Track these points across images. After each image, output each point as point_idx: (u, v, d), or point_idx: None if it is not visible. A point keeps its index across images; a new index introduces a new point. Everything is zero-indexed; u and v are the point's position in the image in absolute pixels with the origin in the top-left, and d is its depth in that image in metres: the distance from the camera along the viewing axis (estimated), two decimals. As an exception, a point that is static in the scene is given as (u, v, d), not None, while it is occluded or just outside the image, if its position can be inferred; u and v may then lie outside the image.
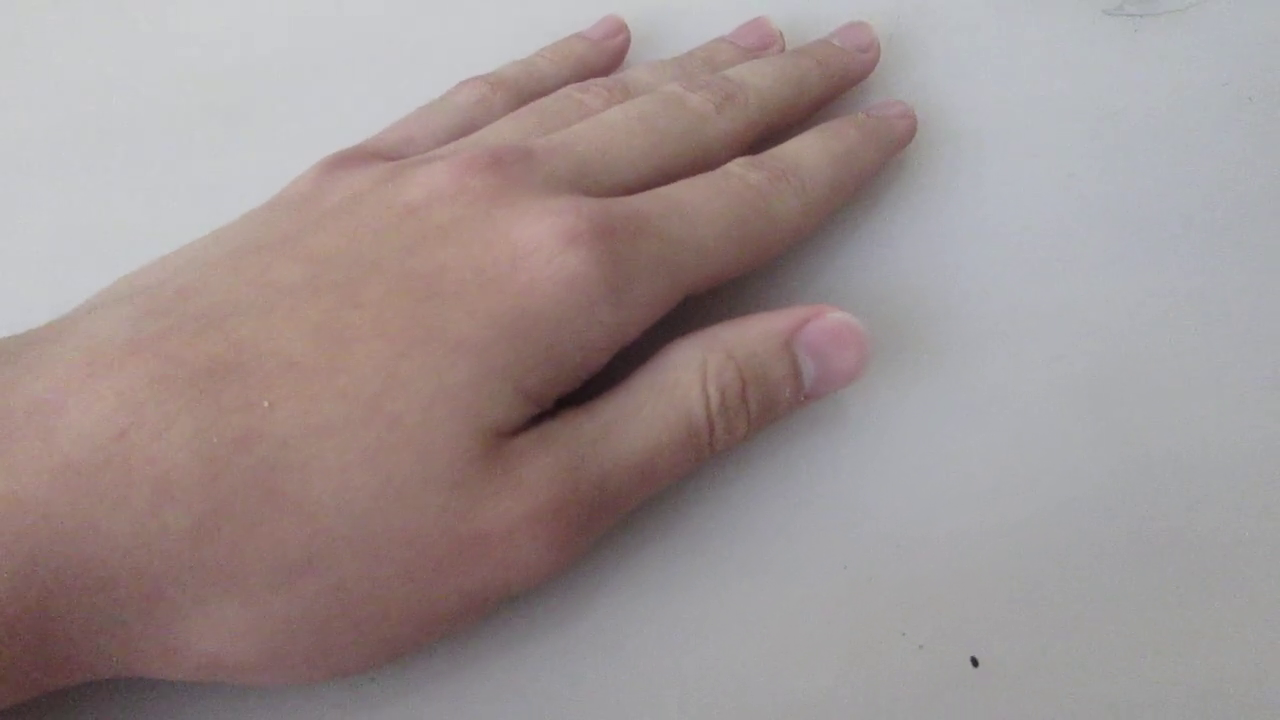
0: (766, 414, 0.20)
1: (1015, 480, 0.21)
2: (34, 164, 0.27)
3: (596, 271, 0.18)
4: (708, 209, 0.21)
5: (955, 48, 0.29)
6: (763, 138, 0.24)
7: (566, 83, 0.26)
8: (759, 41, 0.27)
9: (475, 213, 0.19)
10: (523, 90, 0.25)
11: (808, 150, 0.23)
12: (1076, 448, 0.22)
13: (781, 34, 0.28)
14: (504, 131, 0.23)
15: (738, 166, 0.22)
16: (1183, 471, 0.21)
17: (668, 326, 0.20)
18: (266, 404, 0.16)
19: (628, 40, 0.28)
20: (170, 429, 0.16)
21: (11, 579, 0.15)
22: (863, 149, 0.24)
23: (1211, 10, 0.30)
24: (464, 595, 0.17)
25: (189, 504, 0.16)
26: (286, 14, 0.30)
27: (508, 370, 0.17)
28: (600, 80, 0.25)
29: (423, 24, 0.30)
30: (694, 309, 0.21)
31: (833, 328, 0.20)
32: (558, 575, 0.18)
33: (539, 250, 0.18)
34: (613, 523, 0.19)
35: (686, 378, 0.19)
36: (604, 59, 0.27)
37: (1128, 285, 0.24)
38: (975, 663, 0.19)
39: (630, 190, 0.21)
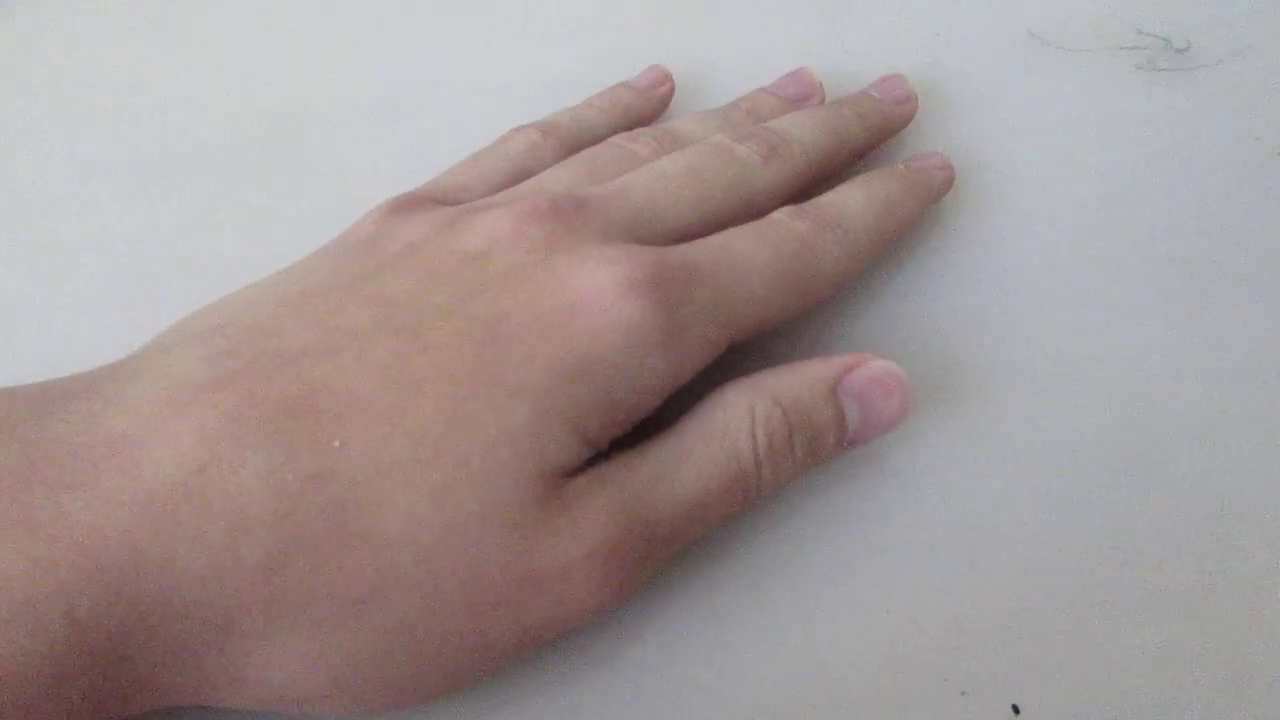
0: (812, 458, 0.21)
1: (1060, 527, 0.21)
2: (101, 199, 0.28)
3: (653, 320, 0.19)
4: (756, 258, 0.21)
5: (990, 100, 0.30)
6: (806, 187, 0.25)
7: (614, 130, 0.26)
8: (800, 92, 0.28)
9: (534, 260, 0.20)
10: (572, 138, 0.26)
11: (850, 200, 0.24)
12: (1121, 496, 0.22)
13: (821, 84, 0.28)
14: (557, 179, 0.23)
15: (784, 216, 0.23)
16: (1230, 521, 0.22)
17: (714, 370, 0.21)
18: (337, 443, 0.17)
19: (672, 89, 0.29)
20: (246, 465, 0.16)
21: (94, 608, 0.15)
22: (903, 199, 0.25)
23: (1241, 66, 0.30)
24: (521, 631, 0.18)
25: (262, 538, 0.16)
26: (347, 61, 0.31)
27: (566, 414, 0.18)
28: (648, 130, 0.26)
29: (474, 72, 0.31)
30: (740, 354, 0.21)
31: (876, 375, 0.21)
32: (611, 612, 0.19)
33: (598, 298, 0.19)
34: (665, 562, 0.19)
35: (735, 422, 0.20)
36: (650, 107, 0.28)
37: (1166, 332, 0.25)
38: (1017, 710, 0.19)
39: (679, 238, 0.22)
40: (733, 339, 0.21)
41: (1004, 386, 0.24)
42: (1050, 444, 0.23)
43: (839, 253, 0.23)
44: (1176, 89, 0.30)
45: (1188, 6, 0.32)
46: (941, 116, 0.29)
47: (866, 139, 0.27)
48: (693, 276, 0.20)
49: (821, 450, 0.21)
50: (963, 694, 0.19)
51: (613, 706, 0.19)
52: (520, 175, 0.25)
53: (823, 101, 0.28)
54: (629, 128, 0.27)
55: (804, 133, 0.25)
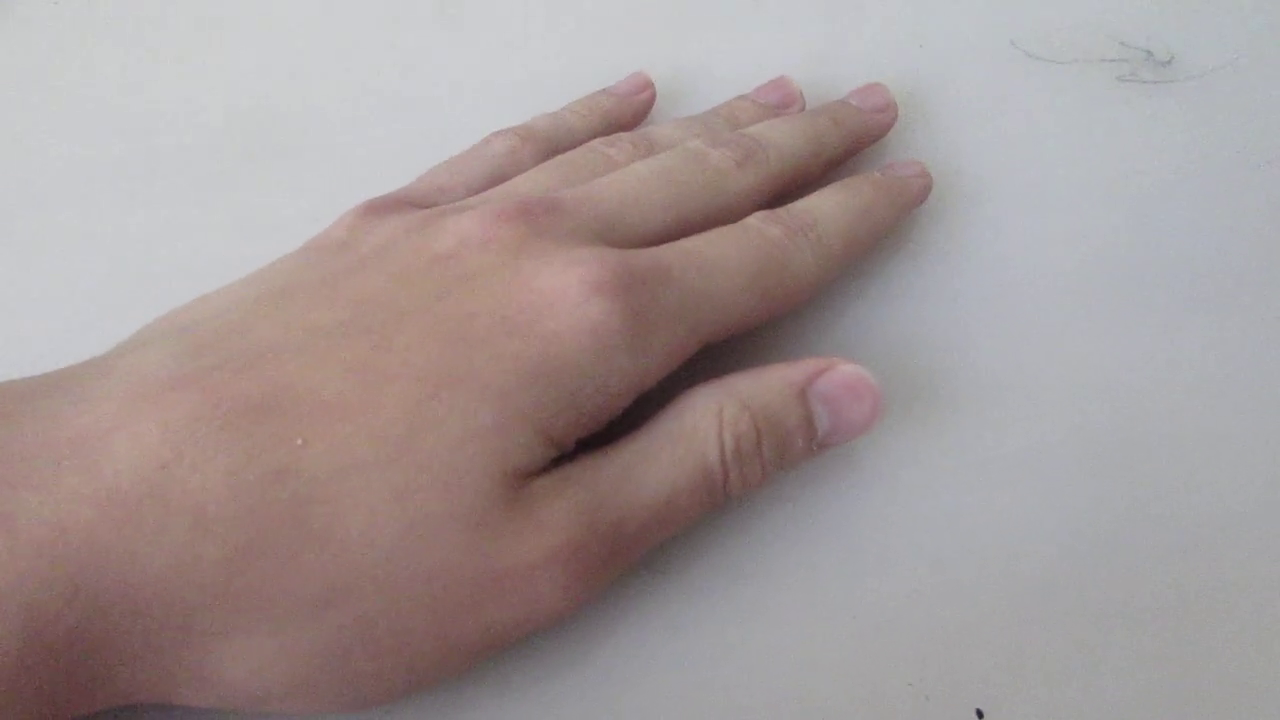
0: (780, 462, 0.20)
1: (1025, 536, 0.21)
2: (89, 198, 0.28)
3: (618, 321, 0.19)
4: (727, 261, 0.21)
5: (970, 110, 0.30)
6: (782, 193, 0.25)
7: (594, 136, 0.26)
8: (780, 100, 0.28)
9: (503, 261, 0.20)
10: (551, 142, 0.26)
11: (825, 205, 0.24)
12: (1087, 505, 0.22)
13: (802, 93, 0.29)
14: (533, 182, 0.24)
15: (756, 220, 0.23)
16: (1194, 531, 0.22)
17: (685, 373, 0.21)
18: (300, 441, 0.17)
19: (653, 96, 0.29)
20: (209, 463, 0.17)
21: (54, 603, 0.15)
22: (879, 206, 0.25)
23: (1223, 79, 0.30)
24: (484, 631, 0.18)
25: (224, 536, 0.16)
26: (328, 65, 0.32)
27: (531, 414, 0.18)
28: (626, 135, 0.26)
29: (456, 77, 0.31)
30: (711, 357, 0.21)
31: (846, 379, 0.21)
32: (575, 614, 0.19)
33: (564, 299, 0.19)
34: (630, 564, 0.19)
35: (703, 425, 0.20)
36: (630, 113, 0.28)
37: (1139, 345, 0.25)
38: (980, 715, 0.19)
39: (652, 241, 0.22)
40: (702, 342, 0.21)
41: (976, 395, 0.24)
42: (1020, 453, 0.23)
43: (812, 257, 0.23)
44: (1159, 101, 0.30)
45: (1171, 20, 0.32)
46: (923, 126, 0.29)
47: (844, 146, 0.27)
48: (661, 278, 0.20)
49: (790, 454, 0.21)
50: (927, 699, 0.19)
51: (577, 709, 0.19)
52: (498, 178, 0.25)
53: (803, 109, 0.28)
54: (609, 133, 0.27)
55: (780, 139, 0.25)
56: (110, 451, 0.16)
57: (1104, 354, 0.24)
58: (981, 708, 0.19)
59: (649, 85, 0.29)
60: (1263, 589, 0.21)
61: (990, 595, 0.21)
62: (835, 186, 0.25)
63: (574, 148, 0.25)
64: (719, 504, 0.20)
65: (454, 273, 0.20)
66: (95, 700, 0.17)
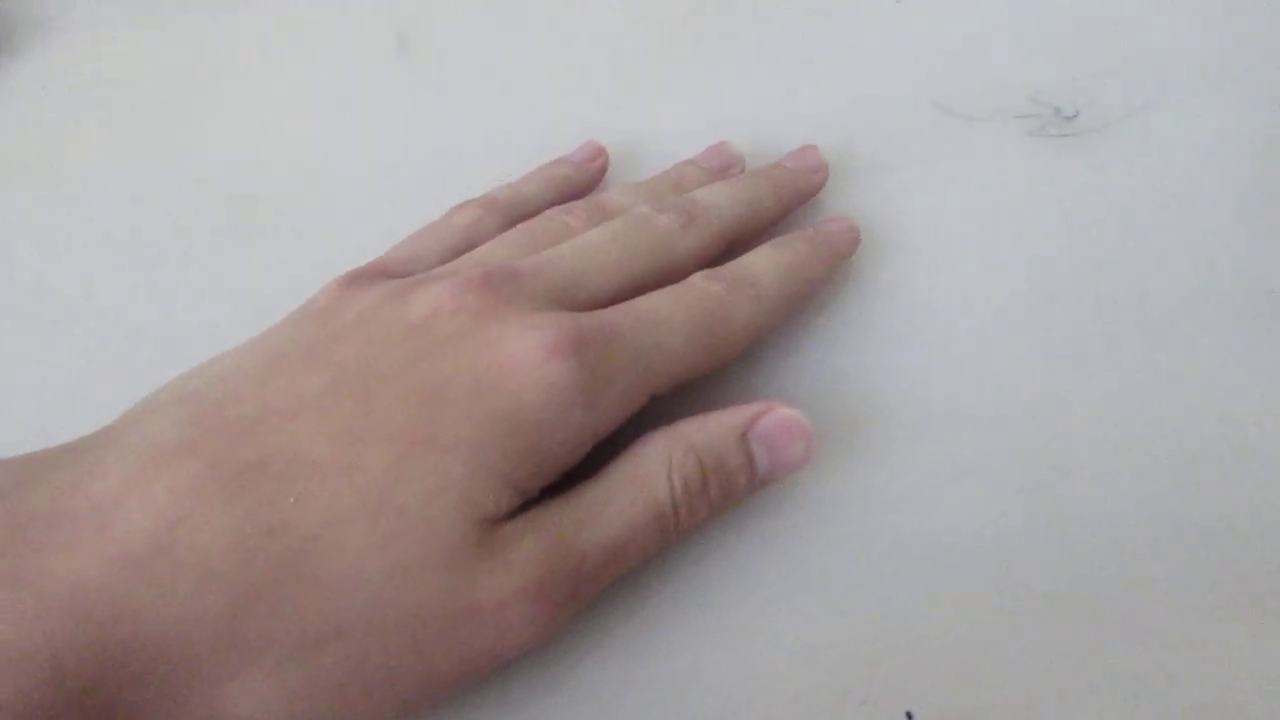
0: (725, 499, 0.23)
1: (947, 553, 0.24)
2: (90, 276, 0.30)
3: (574, 379, 0.21)
4: (673, 318, 0.24)
5: (896, 166, 0.32)
6: (724, 251, 0.27)
7: (552, 203, 0.29)
8: (722, 163, 0.31)
9: (470, 328, 0.22)
10: (512, 211, 0.28)
11: (762, 262, 0.26)
12: (1006, 524, 0.24)
13: (743, 157, 0.31)
14: (497, 252, 0.26)
15: (699, 279, 0.25)
16: (1101, 530, 0.24)
17: (638, 419, 0.23)
18: (292, 499, 0.19)
19: (606, 163, 0.31)
20: (212, 522, 0.19)
21: (76, 655, 0.17)
22: (811, 260, 0.27)
23: (1126, 129, 0.33)
24: (462, 662, 0.20)
25: (226, 586, 0.18)
26: (306, 147, 0.34)
27: (498, 466, 0.20)
28: (580, 202, 0.28)
29: (424, 150, 0.33)
30: (663, 403, 0.24)
31: (782, 422, 0.23)
32: (544, 643, 0.21)
33: (524, 362, 0.21)
34: (592, 597, 0.21)
35: (654, 469, 0.22)
36: (585, 180, 0.31)
37: (1051, 378, 0.27)
38: (910, 717, 0.21)
39: (606, 302, 0.24)
40: (652, 392, 0.23)
41: (901, 429, 0.26)
42: (942, 479, 0.25)
43: (751, 311, 0.25)
44: (1064, 153, 0.33)
45: (1078, 78, 0.35)
46: (853, 182, 0.32)
47: (779, 206, 0.29)
48: (612, 338, 0.22)
49: (734, 492, 0.23)
50: (862, 703, 0.21)
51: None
52: (465, 246, 0.27)
53: (743, 170, 0.31)
54: (566, 199, 0.29)
55: (721, 202, 0.28)
56: (123, 515, 0.18)
57: (1017, 387, 0.27)
58: (911, 710, 0.21)
59: (601, 152, 0.31)
60: (1182, 580, 0.23)
61: (919, 607, 0.23)
62: (772, 244, 0.27)
63: (533, 214, 0.28)
64: (671, 540, 0.22)
65: (426, 340, 0.22)
66: (114, 743, 0.18)
